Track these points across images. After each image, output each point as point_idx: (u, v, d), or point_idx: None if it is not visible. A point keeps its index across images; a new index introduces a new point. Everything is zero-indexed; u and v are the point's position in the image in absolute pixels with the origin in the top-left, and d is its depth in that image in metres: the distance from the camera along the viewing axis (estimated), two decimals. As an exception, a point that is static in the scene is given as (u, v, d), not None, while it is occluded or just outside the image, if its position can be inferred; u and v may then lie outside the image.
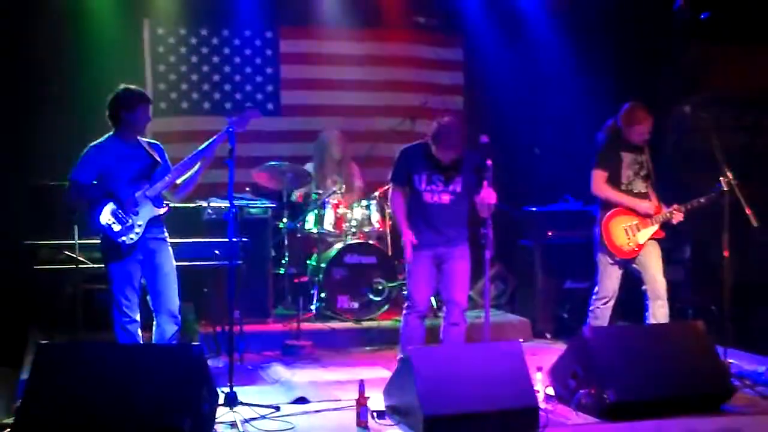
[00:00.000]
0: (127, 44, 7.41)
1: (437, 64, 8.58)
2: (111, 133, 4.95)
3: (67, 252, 5.63)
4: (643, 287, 5.63)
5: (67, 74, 6.92)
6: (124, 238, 4.80)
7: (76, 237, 5.46)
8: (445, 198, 5.37)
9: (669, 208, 5.62)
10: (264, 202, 6.84)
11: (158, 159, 4.99)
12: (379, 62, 8.35)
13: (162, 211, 4.96)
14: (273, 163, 6.75)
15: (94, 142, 4.92)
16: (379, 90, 8.27)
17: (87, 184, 4.83)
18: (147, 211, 4.89)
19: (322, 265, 6.88)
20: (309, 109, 8.17)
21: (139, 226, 4.84)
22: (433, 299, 6.61)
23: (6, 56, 6.69)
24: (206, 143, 4.96)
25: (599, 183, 5.62)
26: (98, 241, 4.95)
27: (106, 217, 4.78)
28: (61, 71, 6.91)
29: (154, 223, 4.92)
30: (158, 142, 5.15)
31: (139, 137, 5.01)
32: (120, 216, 4.80)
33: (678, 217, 5.60)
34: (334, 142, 7.48)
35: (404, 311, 5.51)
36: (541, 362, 5.07)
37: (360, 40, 8.27)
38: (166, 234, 5.05)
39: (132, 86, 5.00)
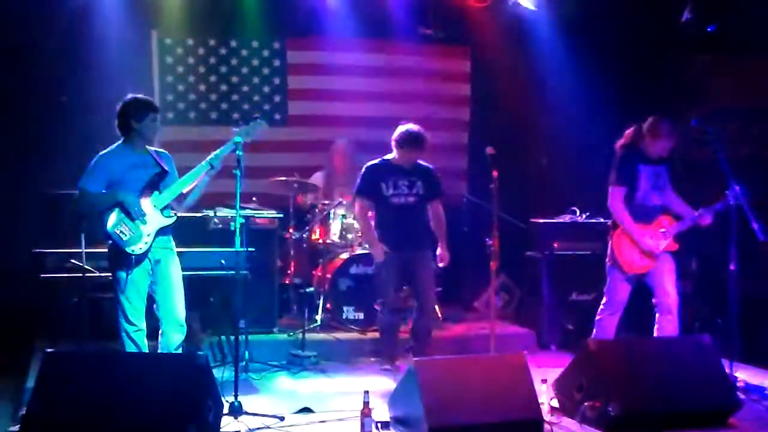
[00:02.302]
0: (135, 54, 7.44)
1: (444, 75, 8.61)
2: (120, 142, 4.98)
3: (74, 260, 5.65)
4: (654, 300, 5.60)
5: (76, 84, 6.95)
6: (133, 247, 4.81)
7: (83, 246, 5.48)
8: (411, 199, 5.99)
9: (696, 213, 5.58)
10: (270, 212, 6.86)
11: (166, 168, 5.01)
12: (386, 73, 8.38)
13: (170, 221, 4.97)
14: (282, 178, 6.90)
15: (103, 151, 4.94)
16: (385, 101, 8.29)
17: (96, 193, 4.85)
18: (155, 221, 4.90)
19: (328, 275, 6.89)
20: (316, 120, 8.20)
21: (148, 235, 4.86)
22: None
23: (15, 66, 6.73)
24: (214, 154, 4.98)
25: (617, 201, 5.55)
26: (105, 250, 4.96)
27: (115, 226, 4.80)
28: (69, 81, 6.95)
29: (162, 232, 4.93)
30: (166, 152, 5.17)
31: (147, 146, 5.04)
32: (129, 225, 4.82)
33: (707, 219, 5.55)
34: (336, 153, 7.53)
35: (378, 307, 6.12)
36: (546, 374, 5.06)
37: (367, 52, 8.30)
38: (174, 243, 5.07)
39: (140, 95, 5.03)
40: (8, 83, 6.67)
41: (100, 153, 4.93)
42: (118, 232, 4.80)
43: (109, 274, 4.98)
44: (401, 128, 5.94)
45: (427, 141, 5.95)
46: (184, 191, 5.02)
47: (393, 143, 5.96)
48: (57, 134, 6.80)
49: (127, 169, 4.89)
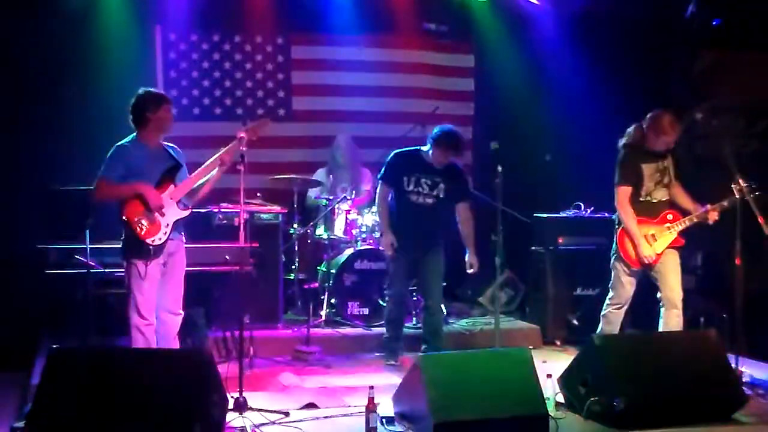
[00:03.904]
0: (139, 50, 7.45)
1: (448, 70, 8.59)
2: (134, 135, 4.99)
3: (78, 256, 5.65)
4: (659, 295, 5.59)
5: (80, 79, 6.95)
6: (152, 239, 4.83)
7: (88, 241, 5.49)
8: (429, 201, 5.87)
9: (702, 210, 5.56)
10: (275, 207, 6.86)
11: (180, 162, 5.04)
12: (390, 68, 8.37)
13: (186, 213, 5.00)
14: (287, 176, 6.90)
15: (120, 142, 4.95)
16: (389, 96, 8.29)
17: (117, 183, 4.86)
18: (172, 213, 4.93)
19: (333, 271, 6.89)
20: (320, 115, 8.19)
21: (167, 226, 4.88)
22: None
23: (19, 62, 6.74)
24: (223, 150, 4.99)
25: (624, 201, 5.54)
26: (109, 246, 4.97)
27: (134, 217, 4.81)
28: (73, 76, 6.95)
29: (175, 224, 4.96)
30: (175, 146, 5.18)
31: (160, 140, 5.05)
32: (148, 217, 4.84)
33: (713, 216, 5.52)
34: (339, 147, 7.53)
35: (387, 297, 6.20)
36: (551, 369, 5.06)
37: (371, 47, 8.29)
38: (183, 235, 5.10)
39: (153, 89, 5.05)
40: (12, 78, 6.67)
41: (118, 144, 4.95)
42: (136, 222, 4.81)
43: (114, 269, 4.99)
44: (443, 127, 5.80)
45: (464, 142, 5.90)
46: (194, 186, 5.04)
47: (431, 140, 5.81)
48: (61, 130, 6.80)
49: (144, 160, 4.91)
